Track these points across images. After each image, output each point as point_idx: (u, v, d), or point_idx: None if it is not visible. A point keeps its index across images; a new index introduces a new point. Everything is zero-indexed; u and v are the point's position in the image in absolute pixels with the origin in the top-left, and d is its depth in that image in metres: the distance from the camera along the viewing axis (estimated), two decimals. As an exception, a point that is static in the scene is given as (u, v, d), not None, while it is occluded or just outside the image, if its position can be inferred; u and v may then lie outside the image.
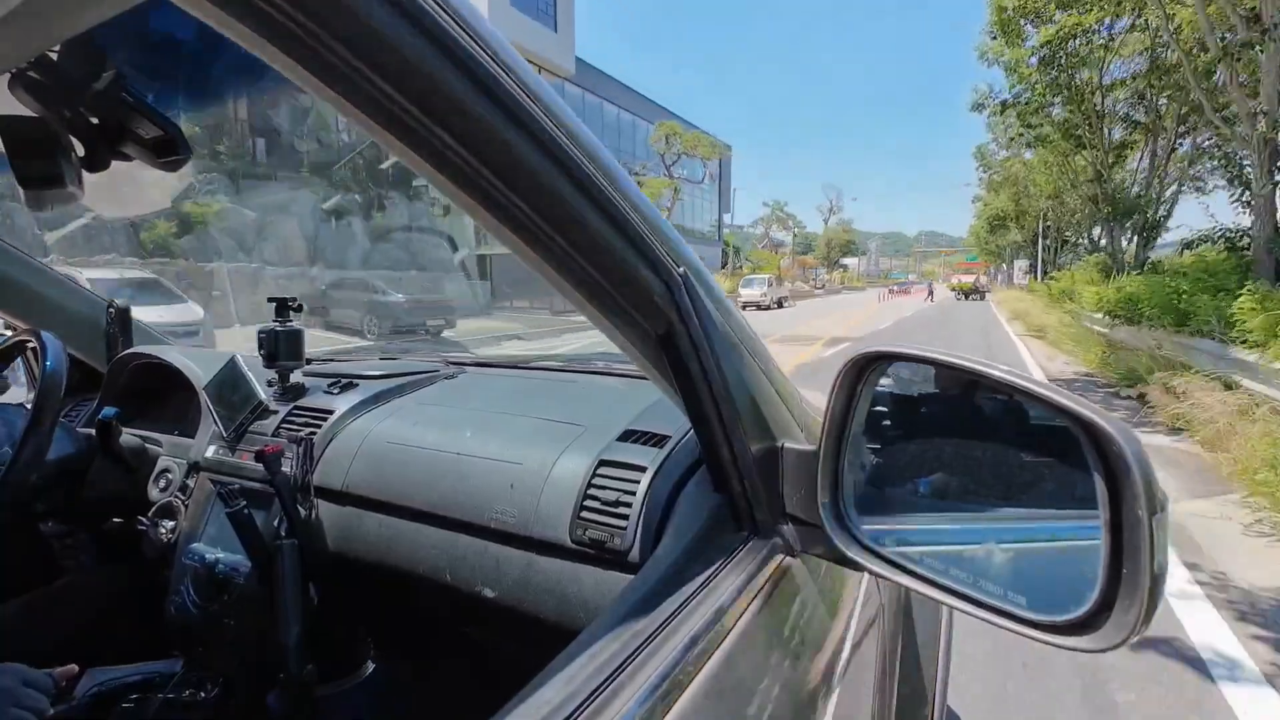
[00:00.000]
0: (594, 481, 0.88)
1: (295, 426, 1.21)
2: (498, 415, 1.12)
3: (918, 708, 1.17)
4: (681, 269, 0.55)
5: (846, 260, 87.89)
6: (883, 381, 0.62)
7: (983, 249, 54.18)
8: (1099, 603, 0.45)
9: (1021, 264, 40.86)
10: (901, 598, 1.06)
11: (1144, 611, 0.43)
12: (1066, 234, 28.19)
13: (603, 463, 0.90)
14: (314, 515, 1.11)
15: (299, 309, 1.32)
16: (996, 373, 0.52)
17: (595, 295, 0.52)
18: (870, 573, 0.58)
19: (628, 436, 0.94)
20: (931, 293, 40.56)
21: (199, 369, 1.38)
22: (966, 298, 40.26)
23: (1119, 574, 0.44)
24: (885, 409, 0.63)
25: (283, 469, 1.09)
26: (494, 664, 1.09)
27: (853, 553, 0.58)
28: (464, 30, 0.35)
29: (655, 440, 0.91)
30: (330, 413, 1.20)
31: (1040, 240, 32.11)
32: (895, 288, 64.75)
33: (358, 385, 1.29)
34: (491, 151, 0.39)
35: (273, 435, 1.21)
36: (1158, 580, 0.43)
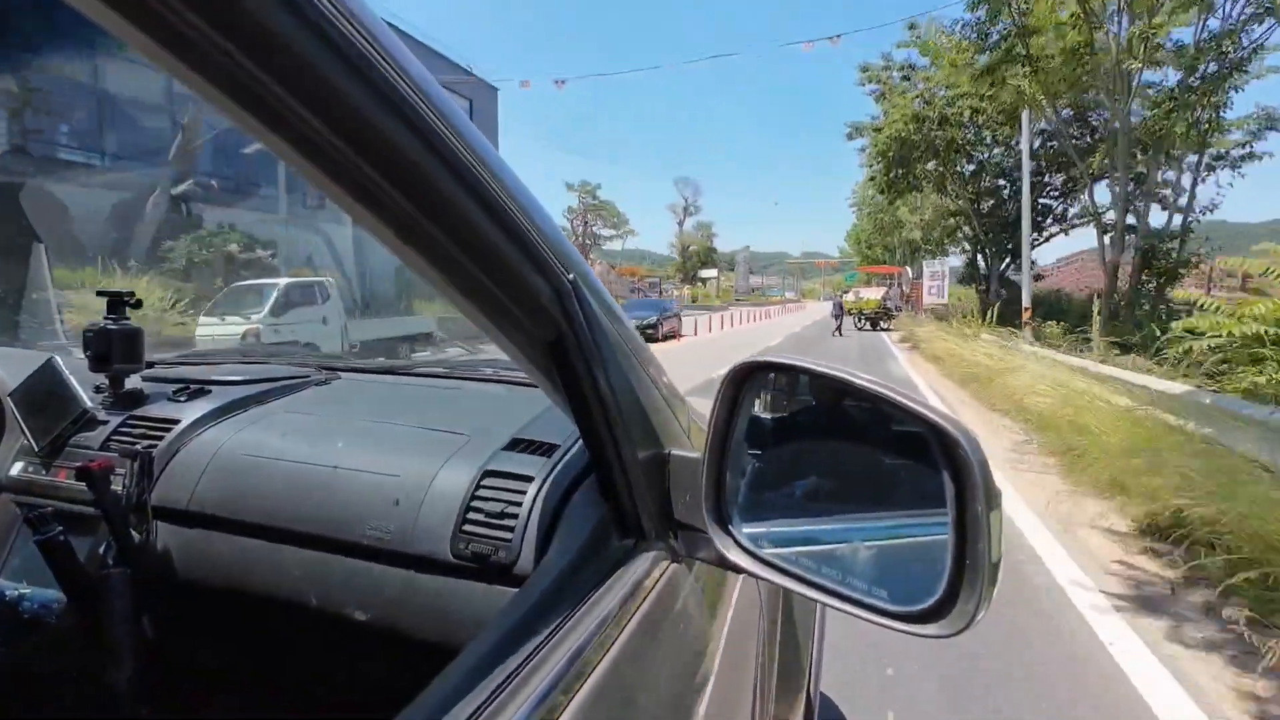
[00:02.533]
0: (478, 493, 0.85)
1: (130, 439, 1.06)
2: (374, 424, 1.05)
3: (794, 698, 1.23)
4: (571, 275, 0.55)
5: (706, 273, 72.09)
6: (763, 391, 0.65)
7: (865, 257, 47.71)
8: (947, 592, 0.50)
9: (939, 266, 26.97)
10: (780, 596, 1.12)
11: (984, 597, 0.48)
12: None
13: (488, 473, 0.87)
14: (151, 539, 0.98)
15: (136, 304, 1.16)
16: (860, 381, 0.56)
17: (482, 300, 0.50)
18: (750, 575, 0.61)
19: (515, 445, 0.92)
20: (840, 318, 23.98)
21: (2, 372, 1.17)
22: (874, 326, 26.18)
23: (963, 565, 0.49)
24: (765, 417, 0.67)
25: (112, 488, 0.96)
26: (368, 690, 1.02)
27: (734, 556, 0.60)
28: (337, 8, 0.32)
29: (543, 449, 0.90)
30: (174, 422, 1.07)
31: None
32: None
33: (210, 392, 1.16)
34: (369, 142, 0.36)
35: (100, 449, 1.06)
36: (995, 569, 0.48)
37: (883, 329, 25.93)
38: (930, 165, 20.41)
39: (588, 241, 57.13)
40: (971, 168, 21.91)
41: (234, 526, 0.95)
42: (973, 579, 0.49)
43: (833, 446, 0.66)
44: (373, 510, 0.87)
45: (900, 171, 20.09)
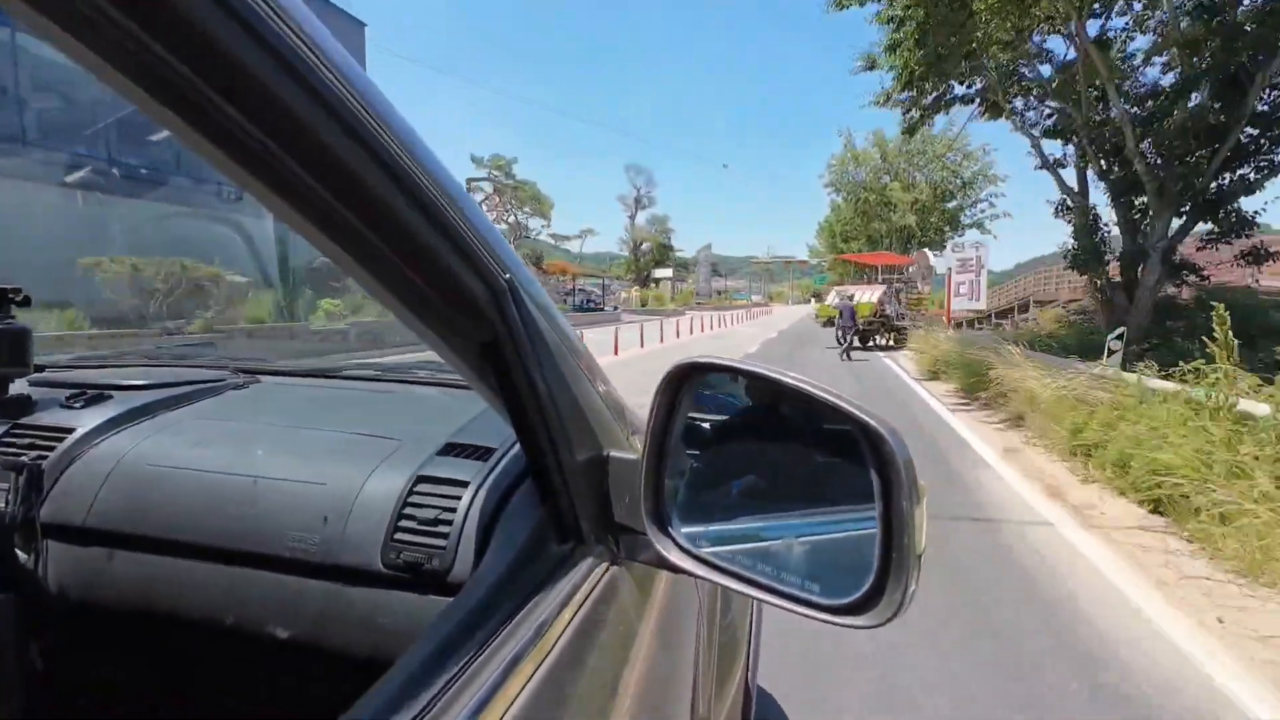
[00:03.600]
0: (410, 500, 0.82)
1: (15, 449, 0.97)
2: (298, 430, 1.00)
3: (731, 692, 1.25)
4: (507, 275, 0.54)
5: (661, 273, 63.56)
6: (702, 391, 0.66)
7: (841, 252, 39.32)
8: (875, 584, 0.52)
9: (972, 252, 15.73)
10: (719, 594, 1.14)
11: (909, 587, 0.51)
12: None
13: (421, 479, 0.85)
14: (40, 560, 0.89)
15: (23, 302, 1.06)
16: (794, 382, 0.57)
17: (415, 301, 0.48)
18: (688, 574, 0.61)
19: (449, 450, 0.89)
20: (851, 333, 15.01)
21: None
22: (863, 344, 16.94)
23: (889, 557, 0.51)
24: (704, 417, 0.67)
25: None
26: (294, 711, 0.96)
27: (673, 557, 0.61)
28: None
29: (479, 453, 0.88)
30: (68, 431, 0.98)
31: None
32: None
33: (110, 398, 1.07)
34: (289, 132, 0.34)
35: None
36: (919, 560, 0.51)
37: (878, 348, 16.58)
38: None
39: (506, 227, 43.29)
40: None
41: (138, 543, 0.88)
42: (899, 570, 0.51)
43: (769, 446, 0.68)
44: (296, 521, 0.83)
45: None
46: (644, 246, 64.67)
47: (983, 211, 36.84)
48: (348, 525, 0.82)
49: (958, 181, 37.01)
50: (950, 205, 37.24)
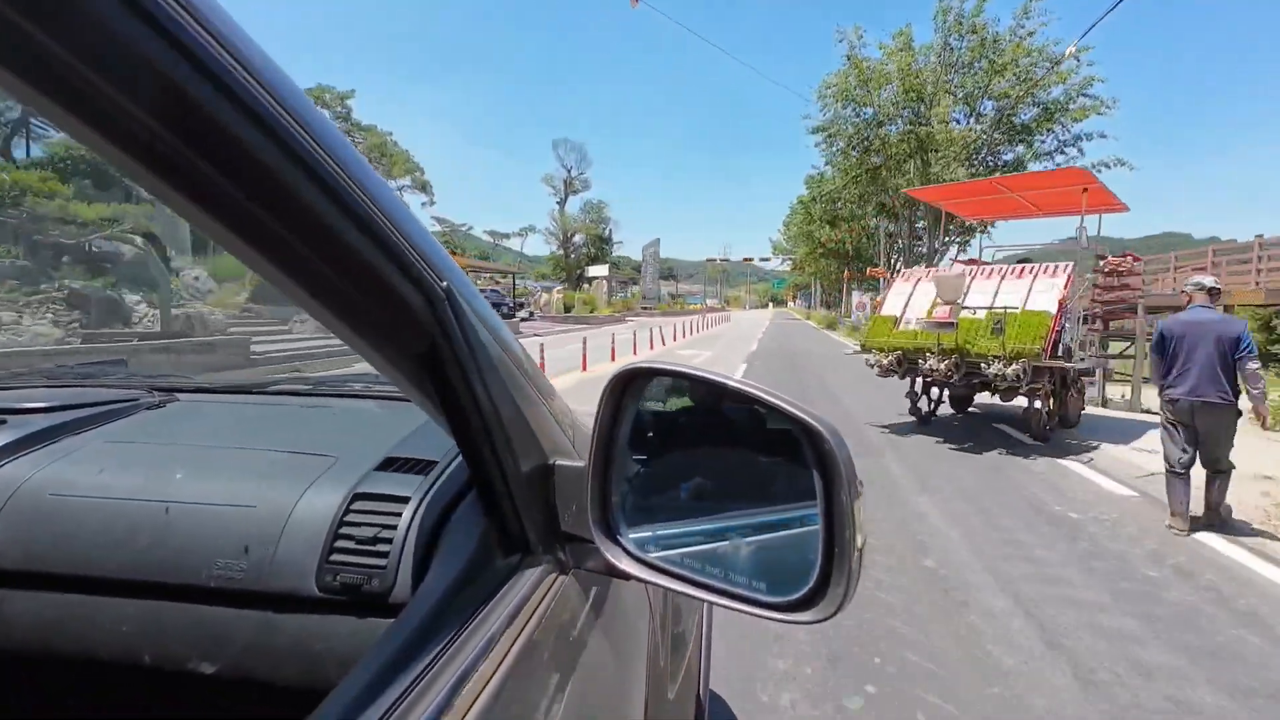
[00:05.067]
0: (347, 519, 0.79)
1: None
2: (223, 451, 0.94)
3: (684, 698, 1.25)
4: (445, 283, 0.52)
5: (595, 270, 49.75)
6: (646, 396, 0.66)
7: (815, 245, 32.87)
8: (819, 579, 0.53)
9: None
10: (670, 598, 1.14)
11: (852, 581, 0.52)
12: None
13: (358, 496, 0.81)
14: None
15: None
16: (737, 385, 0.58)
17: (348, 312, 0.46)
18: (637, 580, 0.61)
19: (389, 465, 0.86)
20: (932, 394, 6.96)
21: None
22: (961, 408, 7.82)
23: (832, 552, 0.53)
24: (650, 422, 0.67)
25: None
26: None
27: (622, 563, 0.61)
28: None
29: (420, 467, 0.85)
30: None
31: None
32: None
33: (4, 422, 0.98)
34: (203, 134, 0.32)
35: None
36: (860, 553, 0.52)
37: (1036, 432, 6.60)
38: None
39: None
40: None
41: (38, 581, 0.80)
42: (841, 564, 0.52)
43: (714, 448, 0.69)
44: (220, 547, 0.78)
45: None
46: (576, 239, 52.86)
47: (1077, 155, 20.38)
48: (279, 549, 0.77)
49: (1034, 108, 20.75)
50: (1020, 148, 21.04)
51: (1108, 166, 18.76)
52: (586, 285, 48.70)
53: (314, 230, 0.40)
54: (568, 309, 37.47)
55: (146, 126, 0.30)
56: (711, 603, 0.58)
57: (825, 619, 0.53)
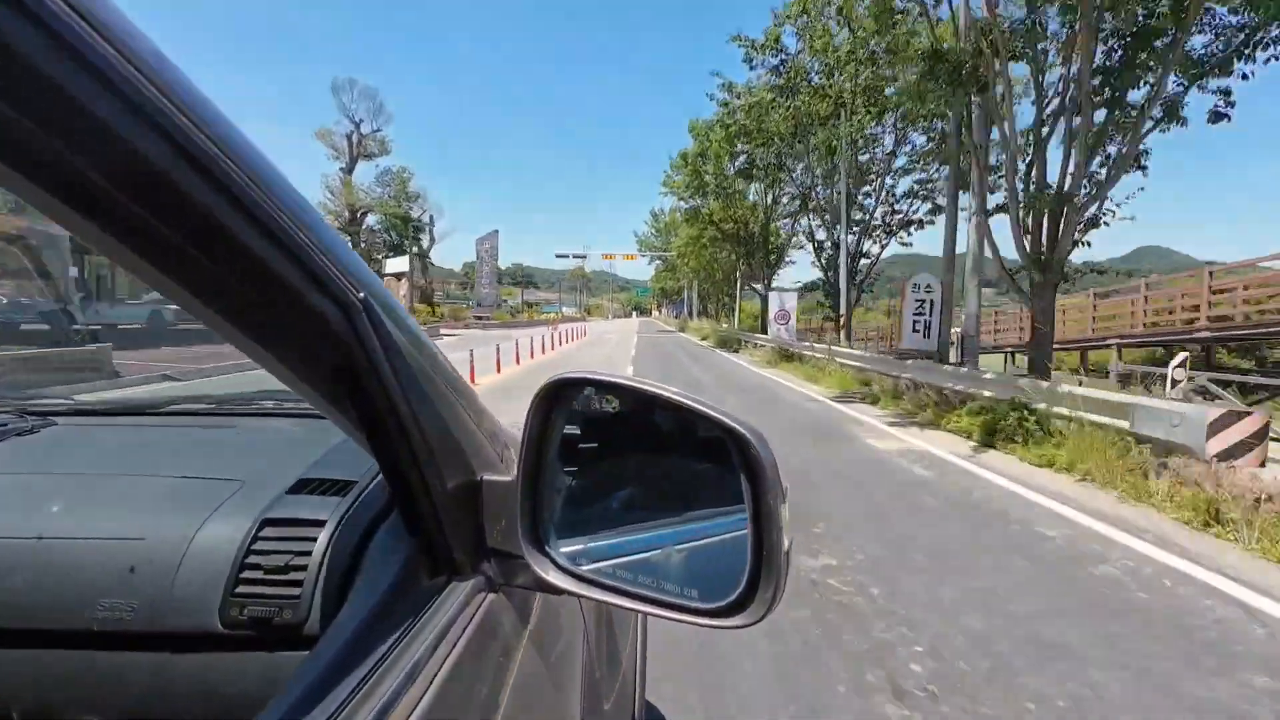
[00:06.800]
0: (255, 547, 0.74)
1: None
2: (108, 479, 0.86)
3: (622, 707, 1.25)
4: (361, 294, 0.50)
5: (394, 265, 35.04)
6: (577, 407, 0.65)
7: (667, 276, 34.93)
8: (749, 583, 0.54)
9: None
10: (603, 610, 1.13)
11: (780, 583, 0.53)
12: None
13: (267, 522, 0.76)
14: None
15: None
16: (667, 394, 0.59)
17: (253, 326, 0.43)
18: (569, 594, 0.60)
19: (302, 487, 0.81)
20: None
21: None
22: None
23: (761, 555, 0.54)
24: (580, 433, 0.67)
25: None
26: None
27: (552, 577, 0.60)
28: None
29: (337, 488, 0.81)
30: None
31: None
32: None
33: None
34: (80, 130, 0.29)
35: None
36: (787, 555, 0.54)
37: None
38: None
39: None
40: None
41: None
42: (769, 567, 0.53)
43: (645, 457, 0.69)
44: (105, 586, 0.71)
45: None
46: (369, 220, 39.83)
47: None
48: (175, 583, 0.71)
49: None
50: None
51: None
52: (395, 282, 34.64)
53: (212, 237, 0.37)
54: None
55: (10, 120, 0.27)
56: (644, 613, 0.58)
57: (754, 623, 0.53)
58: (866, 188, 20.53)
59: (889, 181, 20.26)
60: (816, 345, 15.79)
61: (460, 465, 0.61)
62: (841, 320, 16.66)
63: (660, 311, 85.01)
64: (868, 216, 20.54)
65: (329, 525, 0.75)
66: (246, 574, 0.72)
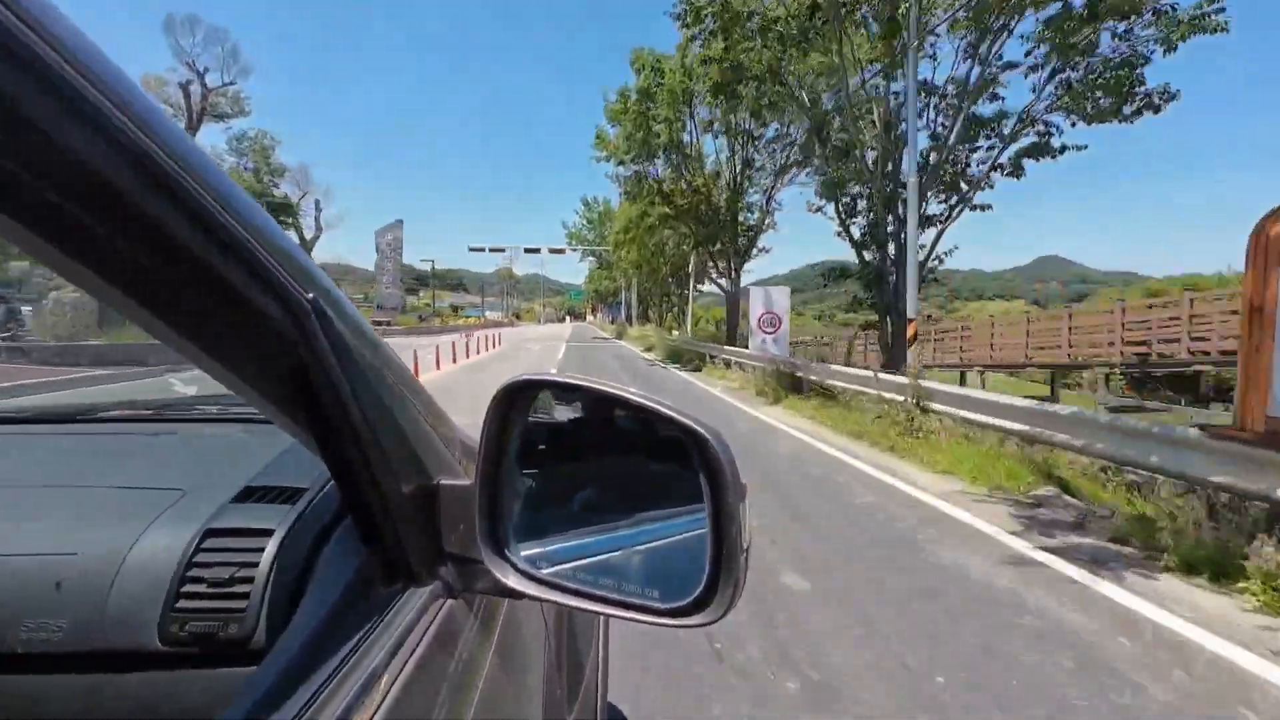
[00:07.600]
0: (197, 559, 0.70)
1: None
2: (32, 492, 0.81)
3: (585, 710, 1.24)
4: (311, 294, 0.48)
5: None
6: (535, 408, 0.64)
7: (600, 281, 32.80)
8: (709, 581, 0.55)
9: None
10: (564, 613, 1.12)
11: (740, 582, 0.54)
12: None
13: (210, 532, 0.73)
14: None
15: None
16: (625, 394, 0.59)
17: (195, 328, 0.41)
18: (529, 598, 0.60)
19: (248, 495, 0.78)
20: None
21: None
22: None
23: (720, 553, 0.54)
24: (540, 435, 0.66)
25: None
26: None
27: (512, 582, 0.59)
28: None
29: (285, 495, 0.78)
30: None
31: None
32: None
33: None
34: (11, 131, 0.27)
35: None
36: (746, 553, 0.54)
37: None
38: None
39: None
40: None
41: None
42: (729, 565, 0.54)
43: (605, 458, 0.69)
44: (30, 604, 0.67)
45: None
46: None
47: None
48: (110, 600, 0.67)
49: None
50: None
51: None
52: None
53: (150, 236, 0.35)
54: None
55: None
56: (605, 615, 0.58)
57: (714, 621, 0.54)
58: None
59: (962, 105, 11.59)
60: (848, 370, 9.72)
61: (416, 469, 0.60)
62: (907, 330, 8.91)
63: (595, 316, 76.36)
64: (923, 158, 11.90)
65: (277, 534, 0.72)
66: (188, 588, 0.69)
